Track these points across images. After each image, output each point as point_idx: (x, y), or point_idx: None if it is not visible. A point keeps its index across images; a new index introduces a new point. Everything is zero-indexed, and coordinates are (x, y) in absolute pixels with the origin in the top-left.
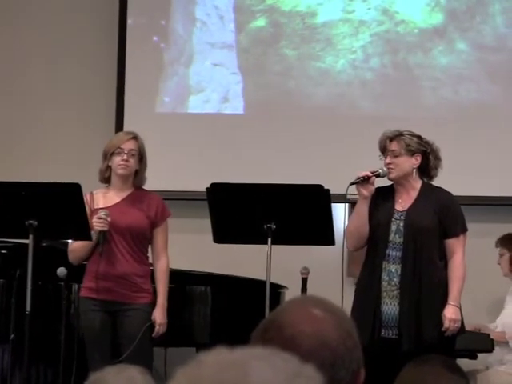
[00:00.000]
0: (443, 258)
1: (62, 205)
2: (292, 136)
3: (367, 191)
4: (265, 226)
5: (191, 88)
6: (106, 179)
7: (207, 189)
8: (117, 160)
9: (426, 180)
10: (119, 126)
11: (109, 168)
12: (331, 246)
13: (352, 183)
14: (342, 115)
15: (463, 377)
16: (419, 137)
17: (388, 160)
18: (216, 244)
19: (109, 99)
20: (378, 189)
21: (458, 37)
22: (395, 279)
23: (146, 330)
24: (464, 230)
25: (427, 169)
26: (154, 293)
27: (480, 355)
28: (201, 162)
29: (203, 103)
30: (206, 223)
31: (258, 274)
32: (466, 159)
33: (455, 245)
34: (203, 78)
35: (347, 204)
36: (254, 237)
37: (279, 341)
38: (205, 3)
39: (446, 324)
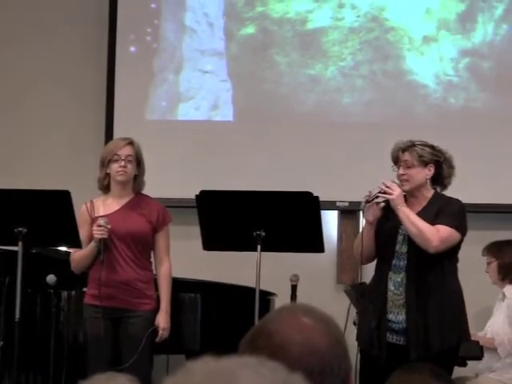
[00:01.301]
0: (451, 265)
1: (51, 212)
2: (282, 143)
3: (372, 217)
4: (254, 233)
5: (181, 95)
6: (105, 187)
7: (197, 196)
8: (114, 167)
9: (439, 189)
10: (109, 133)
11: (107, 175)
12: (321, 254)
13: (367, 201)
14: (331, 122)
15: None
16: (432, 146)
17: (401, 171)
18: (205, 251)
19: (98, 106)
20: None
21: (448, 44)
22: (401, 288)
23: (148, 337)
24: (452, 224)
25: (440, 178)
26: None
27: (469, 362)
28: (190, 170)
29: (193, 110)
30: (196, 230)
31: (248, 281)
32: (456, 166)
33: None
34: (193, 86)
35: (338, 211)
36: (244, 244)
37: (268, 348)
38: (194, 10)
39: None
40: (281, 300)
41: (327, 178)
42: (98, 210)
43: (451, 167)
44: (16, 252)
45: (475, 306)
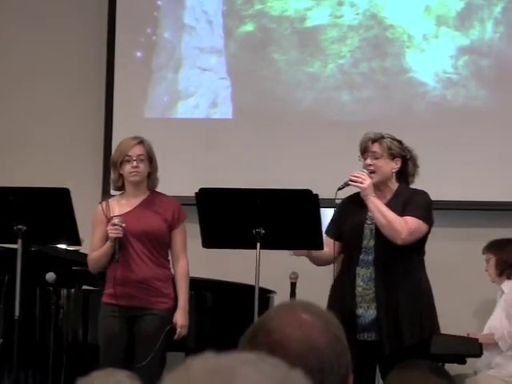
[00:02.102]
0: (419, 257)
1: (50, 210)
2: (281, 141)
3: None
4: (254, 231)
5: (180, 93)
6: (119, 188)
7: (196, 194)
8: (127, 168)
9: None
10: (108, 131)
11: (121, 176)
12: (320, 251)
13: (339, 188)
14: (330, 120)
15: (450, 382)
16: (400, 141)
17: (368, 161)
18: (205, 249)
19: (98, 104)
20: (351, 196)
21: (447, 41)
22: (370, 283)
23: (164, 336)
24: (419, 215)
25: (405, 174)
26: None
27: (468, 360)
28: (190, 167)
29: (192, 108)
30: (195, 228)
31: (247, 278)
32: (454, 163)
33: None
34: (192, 83)
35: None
36: (243, 241)
37: (267, 345)
38: (193, 8)
39: None
40: (280, 298)
41: (326, 176)
42: (113, 210)
43: (416, 165)
44: (15, 250)
45: (477, 303)
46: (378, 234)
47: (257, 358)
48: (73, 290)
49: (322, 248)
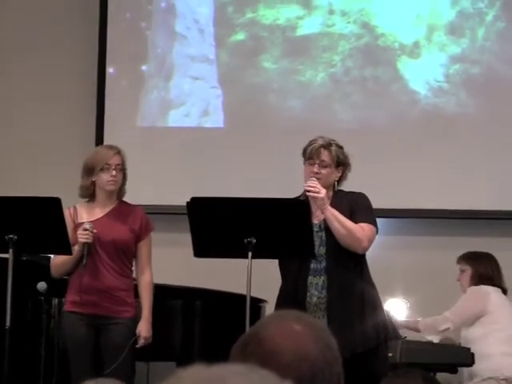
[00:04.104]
0: (365, 263)
1: (42, 219)
2: (272, 149)
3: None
4: (245, 240)
5: (171, 102)
6: (90, 195)
7: (187, 203)
8: (105, 176)
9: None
10: (99, 140)
11: (93, 183)
12: None
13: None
14: (322, 128)
15: None
16: (342, 148)
17: (316, 169)
18: (196, 258)
19: (89, 113)
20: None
21: (438, 50)
22: (323, 291)
23: (130, 345)
24: (369, 220)
25: (339, 181)
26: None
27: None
28: (181, 176)
29: (183, 117)
30: (187, 237)
31: (239, 288)
32: (445, 171)
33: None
34: (183, 92)
35: None
36: (235, 251)
37: (259, 355)
38: (185, 17)
39: None
40: (272, 307)
41: None
42: (81, 216)
43: (349, 171)
44: (6, 259)
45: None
46: (329, 241)
47: (248, 369)
48: (64, 300)
49: (314, 257)
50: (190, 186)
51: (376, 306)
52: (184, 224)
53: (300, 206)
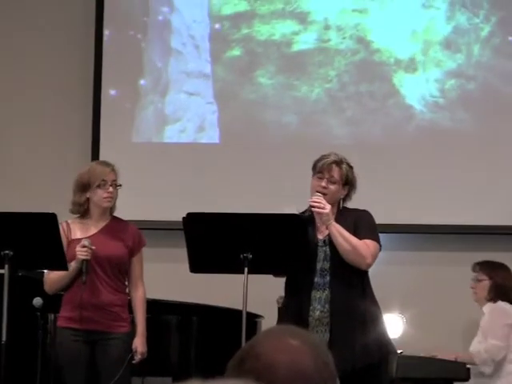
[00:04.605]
0: (368, 278)
1: (37, 235)
2: (268, 165)
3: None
4: (241, 256)
5: (167, 117)
6: (83, 211)
7: (183, 218)
8: (101, 192)
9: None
10: (95, 156)
11: (88, 200)
12: None
13: (302, 213)
14: (318, 144)
15: None
16: (352, 167)
17: (324, 184)
18: (193, 273)
19: (84, 128)
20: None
21: (434, 65)
22: (327, 305)
23: (126, 360)
24: (373, 237)
25: (344, 199)
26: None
27: None
28: (177, 192)
29: (179, 133)
30: (183, 253)
31: (235, 303)
32: (440, 186)
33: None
34: (179, 108)
35: None
36: (231, 266)
37: (255, 370)
38: (180, 33)
39: None
40: (268, 322)
41: None
42: (74, 232)
43: (354, 192)
44: (2, 275)
45: (460, 325)
46: (334, 256)
47: None
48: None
49: (311, 272)
50: (186, 202)
51: (378, 321)
52: (180, 239)
53: (296, 222)
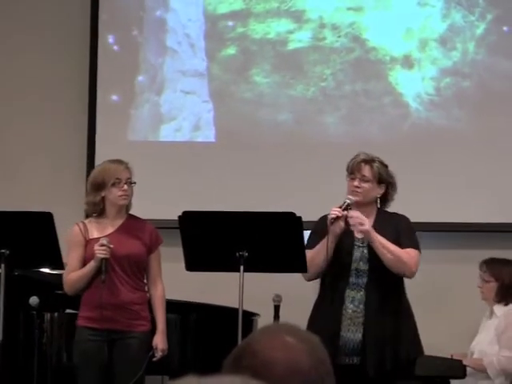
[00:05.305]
0: (403, 282)
1: (33, 234)
2: (264, 163)
3: (339, 229)
4: (237, 254)
5: (162, 116)
6: (99, 211)
7: (179, 217)
8: (116, 191)
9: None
10: (91, 155)
11: (103, 199)
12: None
13: (331, 223)
14: (313, 142)
15: None
16: (387, 166)
17: (356, 183)
18: (188, 272)
19: (80, 128)
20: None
21: (429, 63)
22: (361, 306)
23: (145, 359)
24: (414, 246)
25: (384, 200)
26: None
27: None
28: (172, 191)
29: (175, 131)
30: (178, 251)
31: (231, 301)
32: (436, 185)
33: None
34: (174, 106)
35: None
36: (227, 264)
37: (251, 368)
38: (176, 31)
39: None
40: (264, 320)
41: (310, 198)
42: (91, 231)
43: (395, 191)
44: None
45: (462, 323)
46: (372, 258)
47: (241, 380)
48: (56, 314)
49: (305, 271)
50: (182, 200)
51: (410, 323)
52: (175, 238)
53: (291, 220)
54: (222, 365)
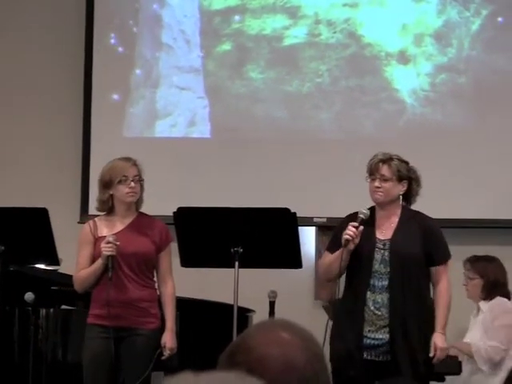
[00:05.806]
0: (427, 282)
1: (29, 230)
2: (259, 160)
3: (354, 245)
4: (232, 250)
5: (158, 112)
6: (109, 208)
7: (174, 213)
8: (123, 188)
9: (404, 204)
10: (86, 150)
11: (111, 197)
12: (298, 270)
13: (344, 245)
14: (309, 138)
15: None
16: (407, 162)
17: (377, 183)
18: (183, 268)
19: (76, 123)
20: (354, 216)
21: (424, 59)
22: (382, 309)
23: (152, 357)
24: (449, 256)
25: (409, 195)
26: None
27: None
28: (168, 187)
29: (170, 127)
30: (173, 247)
31: (226, 297)
32: (431, 181)
33: (441, 272)
34: (170, 102)
35: (316, 227)
36: (222, 260)
37: (247, 364)
38: (171, 27)
39: (438, 353)
40: (259, 316)
41: (305, 194)
42: (101, 229)
43: (419, 186)
44: None
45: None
46: (394, 261)
47: (236, 377)
48: (52, 310)
49: (300, 266)
50: (177, 197)
51: (433, 324)
52: (171, 234)
53: (286, 215)
54: (217, 361)
